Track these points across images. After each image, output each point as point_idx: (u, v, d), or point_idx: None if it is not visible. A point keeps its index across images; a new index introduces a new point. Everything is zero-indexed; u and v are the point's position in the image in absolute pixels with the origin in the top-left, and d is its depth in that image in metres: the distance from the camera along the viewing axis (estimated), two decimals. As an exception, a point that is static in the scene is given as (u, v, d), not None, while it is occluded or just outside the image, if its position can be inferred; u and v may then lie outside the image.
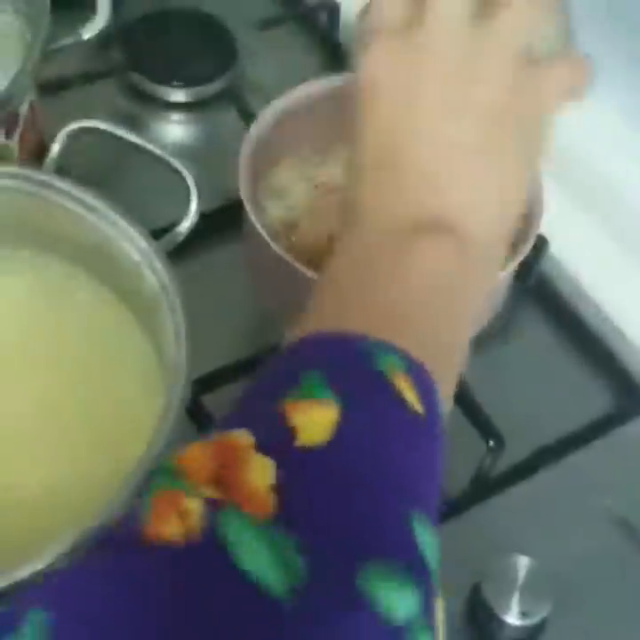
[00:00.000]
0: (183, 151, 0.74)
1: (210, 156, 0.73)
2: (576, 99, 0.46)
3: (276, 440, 0.36)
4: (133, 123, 0.74)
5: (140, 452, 0.46)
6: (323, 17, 0.80)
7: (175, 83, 0.75)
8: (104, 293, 0.55)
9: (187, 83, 0.76)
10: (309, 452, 0.36)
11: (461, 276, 0.44)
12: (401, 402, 0.39)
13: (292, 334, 0.43)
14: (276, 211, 0.64)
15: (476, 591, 0.57)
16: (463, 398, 0.61)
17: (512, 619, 0.56)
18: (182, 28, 0.78)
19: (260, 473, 0.35)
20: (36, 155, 0.63)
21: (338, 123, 0.62)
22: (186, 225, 0.55)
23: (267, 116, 0.62)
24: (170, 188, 0.57)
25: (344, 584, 0.33)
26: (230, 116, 0.74)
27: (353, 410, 0.38)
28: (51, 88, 0.70)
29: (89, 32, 0.66)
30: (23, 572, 0.41)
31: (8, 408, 0.53)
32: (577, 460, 0.63)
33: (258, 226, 0.58)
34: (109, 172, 0.65)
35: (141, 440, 0.47)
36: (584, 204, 0.73)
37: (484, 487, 0.61)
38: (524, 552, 0.56)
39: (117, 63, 0.76)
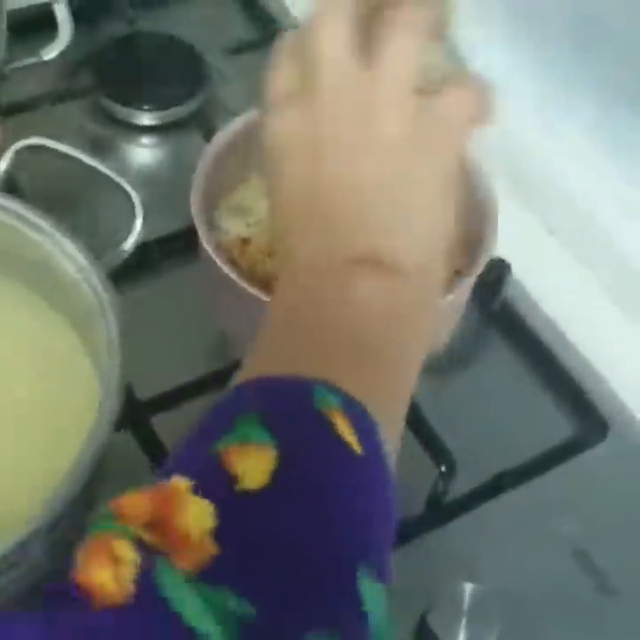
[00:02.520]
0: (148, 174, 0.74)
1: (175, 180, 0.73)
2: (484, 122, 0.45)
3: (214, 484, 0.36)
4: (101, 145, 0.75)
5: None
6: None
7: (144, 106, 0.76)
8: (45, 309, 0.55)
9: (155, 106, 0.76)
10: (248, 497, 0.36)
11: (399, 308, 0.44)
12: (341, 443, 0.39)
13: (237, 379, 0.43)
14: (236, 229, 0.64)
15: (423, 621, 0.56)
16: (415, 422, 0.60)
17: (458, 647, 0.55)
18: (152, 51, 0.78)
19: (198, 517, 0.35)
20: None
21: None
22: (130, 242, 0.55)
23: (223, 136, 0.62)
24: (120, 207, 0.57)
25: None
26: (198, 140, 0.74)
27: (291, 452, 0.38)
28: (15, 108, 0.70)
29: (50, 53, 0.66)
30: None
31: None
32: (536, 485, 0.62)
33: (207, 246, 0.58)
34: (60, 191, 0.65)
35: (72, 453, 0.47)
36: (548, 227, 0.72)
37: (437, 513, 0.60)
38: (475, 578, 0.56)
39: (86, 85, 0.76)
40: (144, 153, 0.76)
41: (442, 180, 0.45)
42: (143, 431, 0.59)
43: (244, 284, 0.56)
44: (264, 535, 0.36)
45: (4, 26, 0.61)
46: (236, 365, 0.61)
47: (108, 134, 0.75)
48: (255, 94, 0.76)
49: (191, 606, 0.33)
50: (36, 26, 0.67)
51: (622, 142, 0.66)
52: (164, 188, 0.72)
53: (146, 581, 0.33)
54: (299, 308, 0.44)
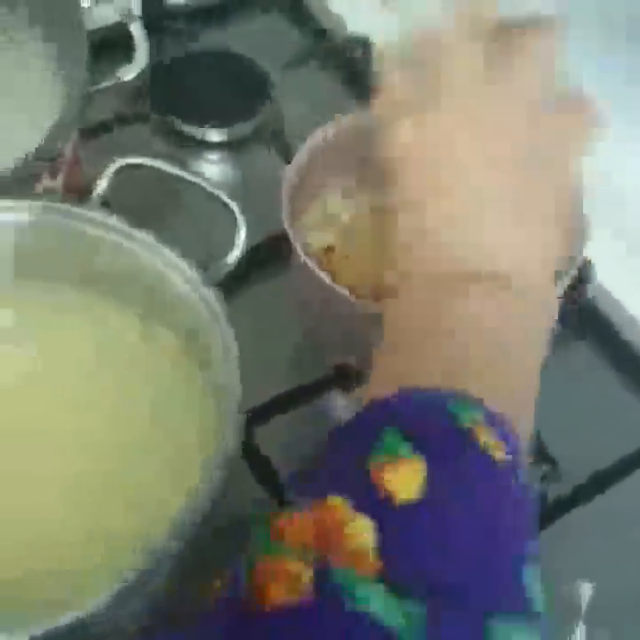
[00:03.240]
0: (222, 188, 0.74)
1: (248, 193, 0.73)
2: (596, 139, 0.46)
3: (372, 502, 0.37)
4: (171, 163, 0.75)
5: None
6: (357, 52, 0.80)
7: (210, 123, 0.76)
8: (153, 327, 0.55)
9: (221, 123, 0.76)
10: (406, 512, 0.37)
11: (514, 321, 0.45)
12: (486, 455, 0.39)
13: (364, 393, 0.44)
14: (317, 242, 0.64)
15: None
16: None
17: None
18: (214, 69, 0.79)
19: (362, 536, 0.36)
20: (79, 195, 0.64)
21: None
22: (234, 255, 0.55)
23: (306, 148, 0.63)
24: (215, 221, 0.57)
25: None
26: (266, 153, 0.74)
27: (440, 466, 0.38)
28: (88, 130, 0.70)
29: (128, 74, 0.66)
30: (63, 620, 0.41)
31: (48, 447, 0.52)
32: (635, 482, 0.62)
33: (302, 253, 0.58)
34: (154, 207, 0.65)
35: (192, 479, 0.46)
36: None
37: (543, 513, 0.60)
38: (589, 577, 0.55)
39: (151, 105, 0.76)
40: (214, 169, 0.76)
41: (557, 195, 0.46)
42: (246, 443, 0.59)
43: (339, 287, 0.56)
44: (427, 551, 0.36)
45: (86, 50, 0.61)
46: (334, 373, 0.63)
47: (177, 152, 0.75)
48: (316, 105, 0.78)
49: (375, 603, 0.34)
50: (111, 47, 0.67)
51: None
52: (239, 201, 0.72)
53: (325, 582, 0.34)
54: (418, 324, 0.45)
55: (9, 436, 0.52)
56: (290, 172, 0.62)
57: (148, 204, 0.63)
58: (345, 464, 0.39)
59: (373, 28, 0.80)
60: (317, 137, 0.64)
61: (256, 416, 0.60)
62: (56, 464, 0.51)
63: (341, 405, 0.64)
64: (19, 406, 0.53)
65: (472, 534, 0.37)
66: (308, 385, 0.62)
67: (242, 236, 0.55)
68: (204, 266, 0.53)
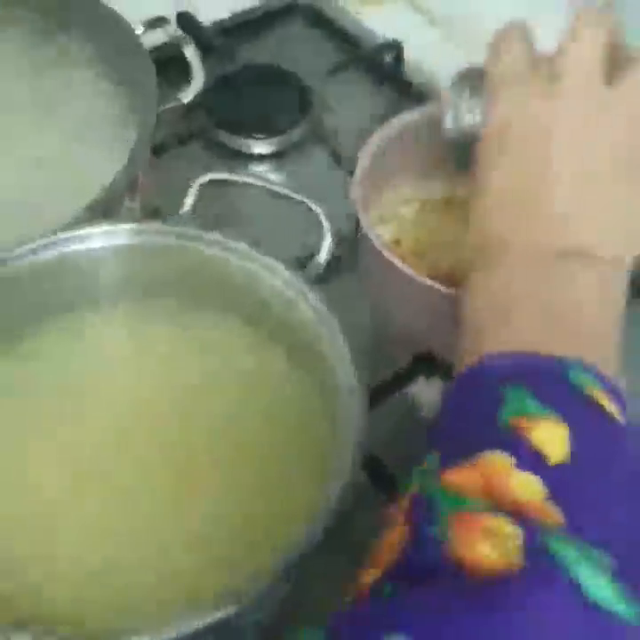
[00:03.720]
0: (271, 197, 0.77)
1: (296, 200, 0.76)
2: None
3: (528, 460, 0.38)
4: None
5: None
6: (388, 57, 0.84)
7: (257, 135, 0.79)
8: (261, 339, 0.57)
9: (268, 134, 0.79)
10: (564, 472, 0.38)
11: (609, 293, 0.47)
12: (610, 417, 0.41)
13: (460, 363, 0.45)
14: (386, 234, 0.68)
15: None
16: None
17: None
18: (256, 84, 0.82)
19: (531, 488, 0.37)
20: (150, 214, 0.67)
21: (432, 149, 0.68)
22: (323, 255, 0.58)
23: (371, 146, 0.66)
24: (295, 226, 0.61)
25: None
26: (312, 162, 0.78)
27: (578, 426, 0.39)
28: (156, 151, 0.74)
29: (188, 96, 0.69)
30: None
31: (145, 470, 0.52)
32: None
33: (376, 241, 0.60)
34: (238, 218, 0.69)
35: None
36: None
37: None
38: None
39: (202, 125, 0.79)
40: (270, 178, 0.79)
41: None
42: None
43: (415, 273, 0.59)
44: (588, 502, 0.37)
45: (154, 76, 0.65)
46: (416, 363, 0.65)
47: (230, 166, 0.79)
48: (357, 111, 0.82)
49: (586, 572, 0.34)
50: (162, 68, 0.69)
51: None
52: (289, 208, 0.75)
53: (535, 550, 0.34)
54: (520, 296, 0.47)
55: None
56: (361, 165, 0.64)
57: (231, 215, 0.67)
58: (478, 420, 0.41)
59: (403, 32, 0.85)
60: (382, 134, 0.67)
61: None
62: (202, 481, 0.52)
63: (428, 393, 0.67)
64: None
65: (621, 498, 0.39)
66: (392, 376, 0.65)
67: (328, 237, 0.58)
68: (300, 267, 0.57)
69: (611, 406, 0.41)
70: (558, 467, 0.38)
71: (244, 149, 0.79)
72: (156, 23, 0.72)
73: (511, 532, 0.35)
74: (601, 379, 0.42)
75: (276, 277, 0.56)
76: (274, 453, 0.53)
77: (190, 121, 0.79)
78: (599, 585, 0.34)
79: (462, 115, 0.53)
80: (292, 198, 0.59)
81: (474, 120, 0.52)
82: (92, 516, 0.50)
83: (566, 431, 0.39)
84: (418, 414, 0.66)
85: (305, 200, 0.59)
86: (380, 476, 0.60)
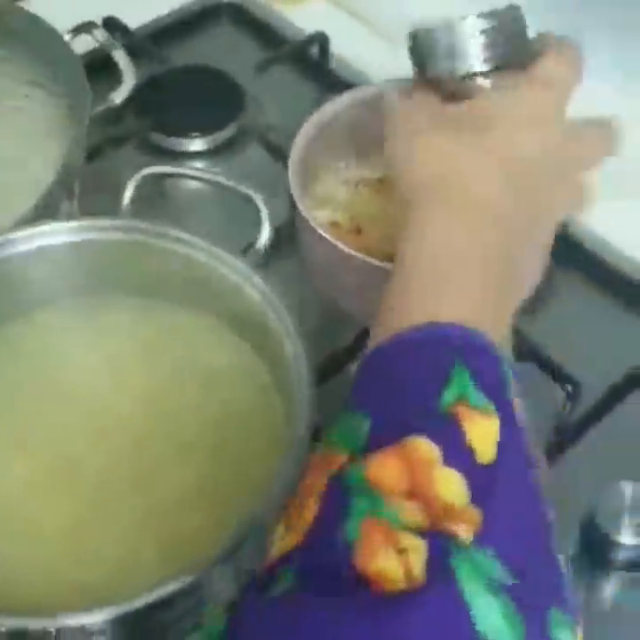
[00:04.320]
0: (209, 195, 0.79)
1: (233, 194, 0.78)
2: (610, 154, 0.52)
3: (458, 456, 0.38)
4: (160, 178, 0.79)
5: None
6: (314, 50, 0.86)
7: (192, 134, 0.81)
8: (213, 324, 0.59)
9: (203, 132, 0.81)
10: (486, 470, 0.38)
11: (514, 250, 0.48)
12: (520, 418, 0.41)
13: (379, 328, 0.45)
14: (324, 215, 0.69)
15: (587, 519, 0.61)
16: (533, 352, 0.66)
17: (627, 539, 0.61)
18: (186, 83, 0.84)
19: (455, 488, 0.37)
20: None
21: (366, 130, 0.69)
22: (262, 241, 0.60)
23: (304, 132, 0.67)
24: (234, 216, 0.62)
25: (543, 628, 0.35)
26: (250, 155, 0.79)
27: (505, 426, 0.39)
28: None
29: (120, 96, 0.71)
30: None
31: (109, 454, 0.54)
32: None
33: (314, 224, 0.62)
34: (177, 212, 0.70)
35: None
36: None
37: (571, 429, 0.66)
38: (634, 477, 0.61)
39: (134, 127, 0.80)
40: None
41: (561, 198, 0.51)
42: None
43: (354, 252, 0.61)
44: (507, 508, 0.37)
45: (85, 80, 0.66)
46: (358, 341, 0.67)
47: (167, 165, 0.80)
48: (288, 107, 0.84)
49: (481, 603, 0.34)
50: (95, 71, 0.70)
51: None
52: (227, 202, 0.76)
53: (436, 567, 0.34)
54: (439, 255, 0.46)
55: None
56: (295, 151, 0.66)
57: (170, 208, 0.68)
58: (418, 394, 0.40)
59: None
60: (315, 119, 0.69)
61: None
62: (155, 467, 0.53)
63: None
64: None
65: (536, 506, 0.39)
66: (334, 354, 0.67)
67: (266, 225, 0.60)
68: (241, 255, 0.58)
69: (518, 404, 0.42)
70: (486, 468, 0.38)
71: (178, 148, 0.80)
72: (83, 28, 0.73)
73: (417, 547, 0.35)
74: (514, 374, 0.43)
75: (222, 264, 0.57)
76: (231, 432, 0.55)
77: (124, 123, 0.80)
78: (489, 607, 0.34)
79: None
80: (230, 188, 0.61)
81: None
82: (60, 504, 0.51)
83: (498, 430, 0.39)
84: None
85: (241, 188, 0.61)
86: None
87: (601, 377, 0.68)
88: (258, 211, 0.60)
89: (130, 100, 0.80)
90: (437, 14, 0.55)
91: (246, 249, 0.60)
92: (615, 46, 0.75)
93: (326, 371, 0.66)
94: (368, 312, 0.65)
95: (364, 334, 0.68)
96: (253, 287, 0.56)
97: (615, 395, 0.68)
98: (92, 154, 0.76)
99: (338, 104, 0.70)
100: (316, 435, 0.48)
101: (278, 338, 0.54)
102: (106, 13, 0.86)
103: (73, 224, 0.57)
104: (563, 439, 0.66)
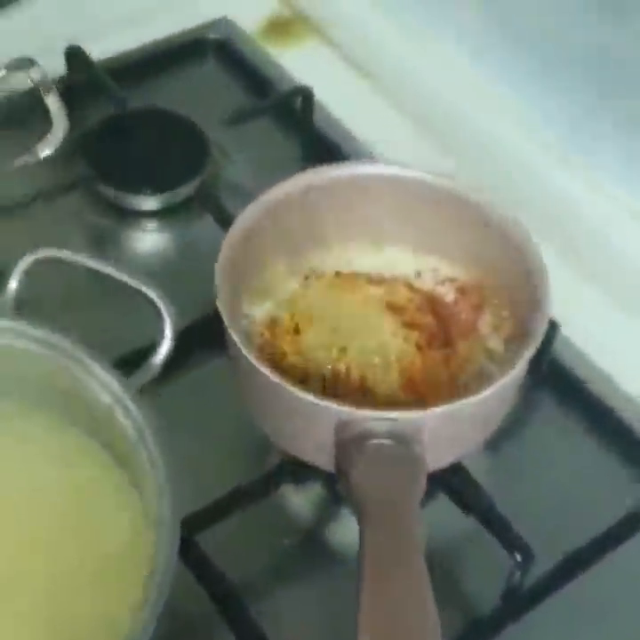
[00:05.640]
0: (158, 263, 0.70)
1: (187, 265, 0.68)
2: None
3: None
4: (104, 236, 0.70)
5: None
6: (297, 103, 0.76)
7: (144, 190, 0.71)
8: (80, 439, 0.51)
9: (157, 189, 0.71)
10: None
11: None
12: None
13: None
14: (261, 313, 0.60)
15: None
16: (484, 510, 0.56)
17: None
18: (146, 129, 0.74)
19: None
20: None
21: (328, 216, 0.61)
22: (162, 354, 0.50)
23: (239, 226, 0.58)
24: (143, 310, 0.53)
25: None
26: (206, 220, 0.69)
27: None
28: (11, 210, 0.66)
29: (45, 149, 0.62)
30: None
31: None
32: (618, 557, 0.57)
33: (239, 343, 0.53)
34: (73, 301, 0.60)
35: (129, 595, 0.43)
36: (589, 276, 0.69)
37: (515, 604, 0.56)
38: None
39: (81, 175, 0.71)
40: (151, 240, 0.72)
41: None
42: (187, 552, 0.54)
43: (272, 375, 0.52)
44: None
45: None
46: (280, 468, 0.58)
47: (111, 224, 0.71)
48: (261, 164, 0.74)
49: None
50: (27, 120, 0.62)
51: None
52: (178, 275, 0.67)
53: None
54: None
55: None
56: (226, 249, 0.57)
57: (66, 297, 0.59)
58: None
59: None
60: (259, 203, 0.59)
61: (199, 521, 0.55)
62: None
63: (295, 501, 0.59)
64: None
65: None
66: (256, 481, 0.57)
67: (168, 333, 0.50)
68: (131, 365, 0.49)
69: None
70: None
71: (126, 205, 0.71)
72: (19, 65, 0.64)
73: None
74: None
75: (96, 382, 0.48)
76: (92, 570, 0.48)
77: (65, 173, 0.70)
78: None
79: None
80: (125, 284, 0.51)
81: None
82: None
83: None
84: (279, 526, 0.58)
85: (147, 291, 0.51)
86: (220, 590, 0.53)
87: (556, 543, 0.57)
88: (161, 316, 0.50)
89: (81, 144, 0.71)
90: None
91: (143, 355, 0.50)
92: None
93: (239, 503, 0.56)
94: (291, 441, 0.56)
95: (288, 462, 0.58)
96: (128, 416, 0.46)
97: (574, 565, 0.57)
98: (36, 197, 0.68)
99: (292, 184, 0.61)
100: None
101: (148, 492, 0.46)
102: (77, 38, 0.76)
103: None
104: (503, 614, 0.55)
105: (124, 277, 0.51)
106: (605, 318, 0.68)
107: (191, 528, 0.54)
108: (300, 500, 0.59)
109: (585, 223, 0.70)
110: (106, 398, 0.47)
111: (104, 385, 0.47)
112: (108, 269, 0.50)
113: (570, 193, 0.71)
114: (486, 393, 0.52)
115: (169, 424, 0.56)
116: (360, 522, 0.48)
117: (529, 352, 0.53)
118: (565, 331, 0.64)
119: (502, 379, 0.52)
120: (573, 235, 0.70)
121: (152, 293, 0.50)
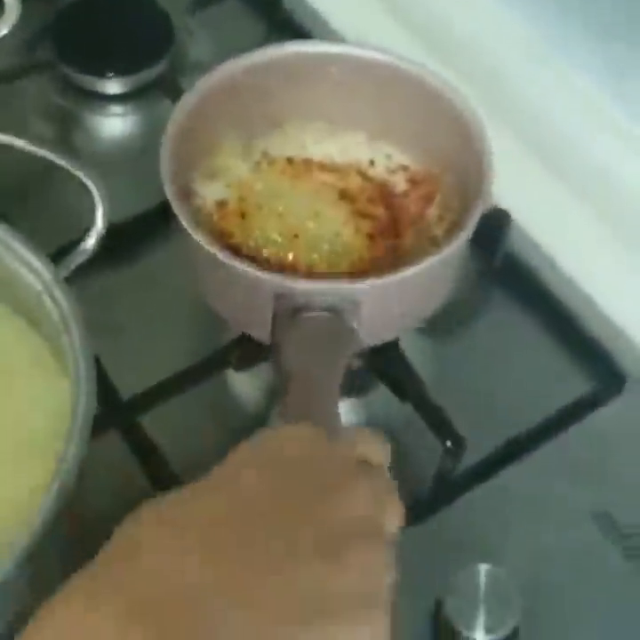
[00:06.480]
0: (119, 146, 0.70)
1: (148, 150, 0.68)
2: None
3: None
4: (65, 120, 0.70)
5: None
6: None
7: (108, 73, 0.71)
8: (15, 321, 0.52)
9: (121, 72, 0.71)
10: None
11: None
12: None
13: None
14: (210, 194, 0.60)
15: (438, 607, 0.53)
16: (417, 396, 0.57)
17: (479, 635, 0.52)
18: (111, 12, 0.73)
19: None
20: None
21: (275, 95, 0.60)
22: (91, 239, 0.51)
23: (191, 97, 0.57)
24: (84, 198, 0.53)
25: None
26: (169, 104, 0.69)
27: None
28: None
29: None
30: None
31: None
32: (549, 449, 0.59)
33: (181, 216, 0.53)
34: (15, 187, 0.61)
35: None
36: (554, 173, 0.68)
37: (444, 490, 0.57)
38: (491, 558, 0.52)
39: (45, 57, 0.71)
40: (113, 123, 0.72)
41: None
42: (131, 431, 0.56)
43: (210, 246, 0.52)
44: None
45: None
46: (230, 347, 0.59)
47: (74, 107, 0.71)
48: (224, 48, 0.73)
49: None
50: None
51: (620, 75, 0.62)
52: (138, 160, 0.67)
53: None
54: None
55: None
56: (173, 125, 0.56)
57: (13, 182, 0.59)
58: None
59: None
60: (209, 80, 0.59)
61: (144, 400, 0.57)
62: None
63: (240, 383, 0.60)
64: None
65: None
66: (201, 363, 0.58)
67: (99, 220, 0.51)
68: (64, 250, 0.49)
69: None
70: None
71: (89, 87, 0.71)
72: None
73: None
74: None
75: (30, 271, 0.49)
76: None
77: (27, 55, 0.70)
78: None
79: None
80: (63, 168, 0.51)
81: None
82: None
83: None
84: (223, 409, 0.59)
85: (83, 178, 0.51)
86: (155, 466, 0.55)
87: (497, 430, 0.58)
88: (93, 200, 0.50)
89: (47, 27, 0.71)
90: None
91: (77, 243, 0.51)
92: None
93: (182, 384, 0.58)
94: (240, 319, 0.57)
95: (235, 344, 0.59)
96: (54, 301, 0.47)
97: (508, 453, 0.58)
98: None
99: (250, 59, 0.60)
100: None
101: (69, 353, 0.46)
102: None
103: None
104: (433, 500, 0.57)
105: (63, 162, 0.51)
106: (566, 213, 0.67)
107: (136, 410, 0.56)
108: (247, 383, 0.61)
109: (552, 121, 0.69)
110: (37, 285, 0.48)
111: (36, 273, 0.48)
112: (42, 152, 0.51)
113: (539, 90, 0.70)
114: (420, 266, 0.52)
115: (113, 310, 0.58)
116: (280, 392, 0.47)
117: (465, 233, 0.54)
118: (528, 228, 0.64)
119: (436, 256, 0.53)
120: (541, 134, 0.69)
121: (86, 178, 0.51)
